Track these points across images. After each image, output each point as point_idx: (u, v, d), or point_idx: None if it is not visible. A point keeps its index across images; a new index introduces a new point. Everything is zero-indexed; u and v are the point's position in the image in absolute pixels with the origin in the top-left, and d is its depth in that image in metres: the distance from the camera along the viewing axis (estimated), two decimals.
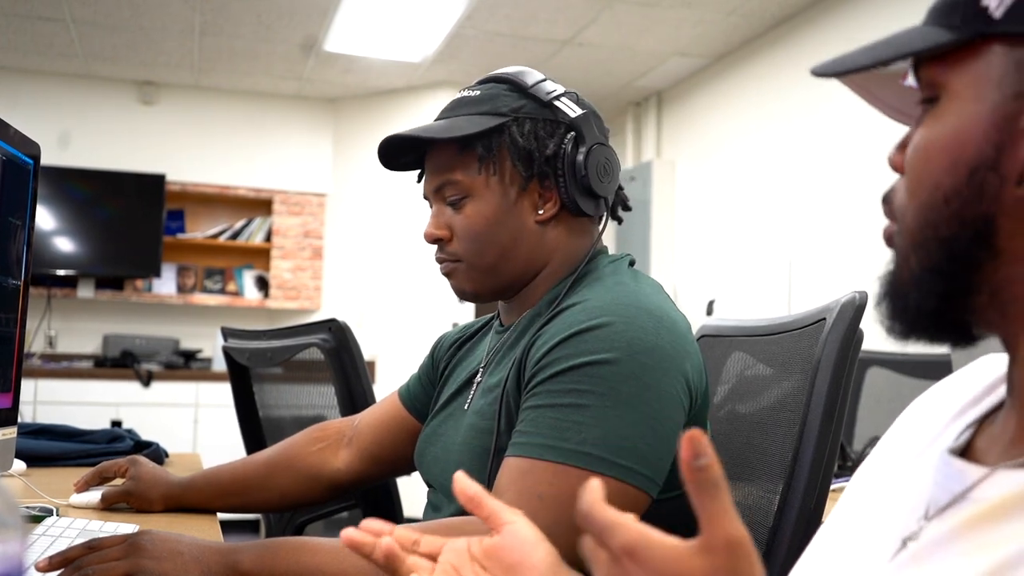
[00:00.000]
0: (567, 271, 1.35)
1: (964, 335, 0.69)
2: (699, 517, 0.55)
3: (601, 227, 1.40)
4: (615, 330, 1.17)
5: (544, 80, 1.36)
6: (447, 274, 1.39)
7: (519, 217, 1.33)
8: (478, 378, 1.39)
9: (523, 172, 1.32)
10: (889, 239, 0.72)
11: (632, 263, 1.38)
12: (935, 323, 0.68)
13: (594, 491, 0.61)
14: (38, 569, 1.08)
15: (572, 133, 1.33)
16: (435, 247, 1.39)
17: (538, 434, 1.15)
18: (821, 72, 0.72)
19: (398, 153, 1.41)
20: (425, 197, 1.41)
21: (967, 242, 0.65)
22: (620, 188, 1.41)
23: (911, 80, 0.72)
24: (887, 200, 0.73)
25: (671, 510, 1.11)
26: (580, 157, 1.31)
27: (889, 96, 0.79)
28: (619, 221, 1.45)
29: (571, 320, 1.21)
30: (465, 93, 1.38)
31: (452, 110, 1.37)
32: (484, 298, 1.39)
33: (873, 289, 1.37)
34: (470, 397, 1.38)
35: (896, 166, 0.72)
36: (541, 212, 1.34)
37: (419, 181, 1.45)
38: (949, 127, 0.66)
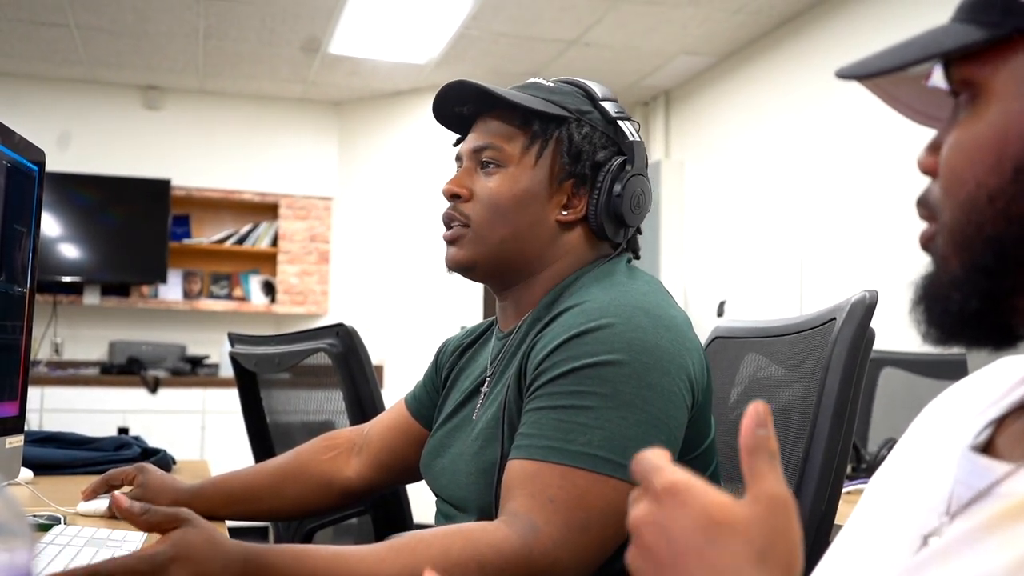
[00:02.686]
0: (568, 275, 1.35)
1: (1006, 338, 0.67)
2: (746, 476, 0.58)
3: (615, 253, 1.38)
4: (615, 331, 1.17)
5: (615, 99, 1.39)
6: (451, 240, 1.37)
7: (542, 208, 1.34)
8: (484, 388, 1.39)
9: (566, 167, 1.33)
10: (927, 243, 0.70)
11: (629, 260, 1.38)
12: (977, 326, 0.66)
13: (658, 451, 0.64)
14: None
15: (622, 157, 1.34)
16: (448, 206, 1.38)
17: (542, 436, 1.15)
18: (846, 75, 0.70)
19: (453, 104, 1.41)
20: (458, 157, 1.40)
21: (1015, 240, 0.63)
22: (640, 230, 1.42)
23: (938, 81, 0.70)
24: (923, 203, 0.71)
25: None
26: (620, 183, 1.33)
27: (909, 97, 0.78)
28: (636, 256, 1.44)
29: (570, 322, 1.21)
30: (540, 80, 1.40)
31: (523, 88, 1.39)
32: (478, 272, 1.38)
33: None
34: (477, 407, 1.38)
35: (928, 169, 0.70)
36: (565, 213, 1.34)
37: (456, 144, 1.45)
38: (991, 126, 0.65)
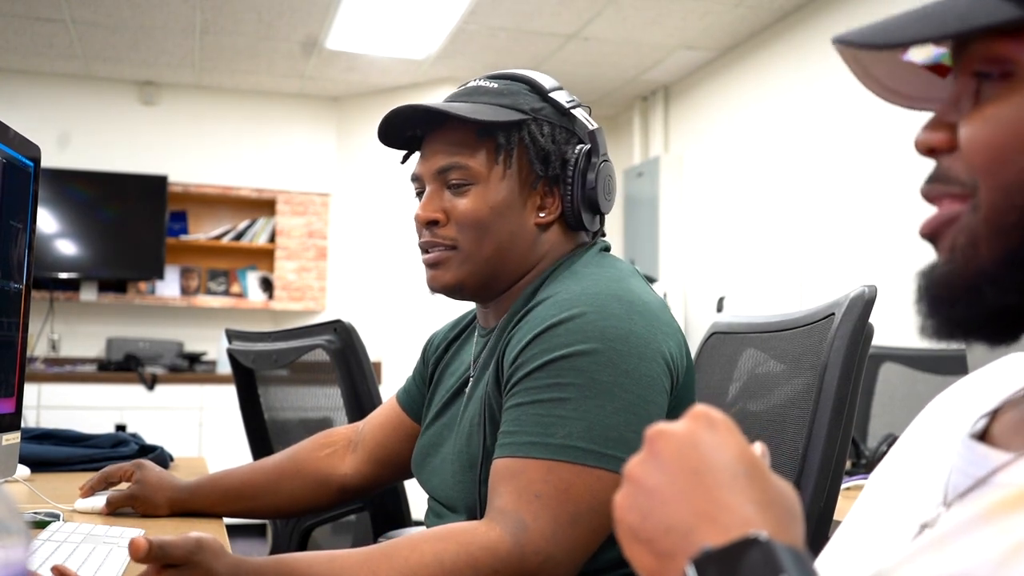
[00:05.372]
0: (545, 271, 1.35)
1: (1011, 335, 0.63)
2: None
3: (591, 239, 1.39)
4: (587, 320, 1.17)
5: (561, 88, 1.37)
6: (434, 263, 1.34)
7: (520, 216, 1.33)
8: (468, 388, 1.39)
9: (537, 171, 1.32)
10: (933, 232, 0.65)
11: (606, 248, 1.38)
12: (1008, 322, 0.62)
13: None
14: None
15: (586, 145, 1.34)
16: (420, 233, 1.36)
17: (523, 432, 1.15)
18: (862, 43, 0.64)
19: (403, 127, 1.39)
20: (415, 178, 1.37)
21: None
22: None
23: (921, 58, 0.67)
24: (943, 179, 0.65)
25: None
26: (592, 172, 1.33)
27: (882, 73, 0.74)
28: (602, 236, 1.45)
29: (543, 315, 1.21)
30: (482, 83, 1.37)
31: (470, 95, 1.35)
32: (466, 292, 1.36)
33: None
34: (463, 407, 1.37)
35: (939, 144, 0.66)
36: (542, 215, 1.34)
37: (403, 162, 1.43)
38: None
